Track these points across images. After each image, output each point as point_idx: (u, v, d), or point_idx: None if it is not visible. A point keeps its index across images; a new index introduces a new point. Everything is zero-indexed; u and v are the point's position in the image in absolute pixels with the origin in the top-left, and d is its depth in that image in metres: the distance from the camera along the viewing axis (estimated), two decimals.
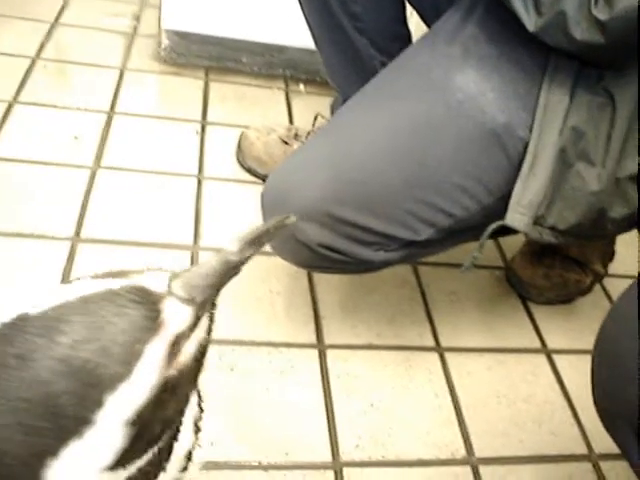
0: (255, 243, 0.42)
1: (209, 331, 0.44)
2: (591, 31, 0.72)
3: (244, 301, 1.09)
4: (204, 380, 0.96)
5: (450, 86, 0.84)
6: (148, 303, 0.38)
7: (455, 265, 1.25)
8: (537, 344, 1.17)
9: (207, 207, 1.25)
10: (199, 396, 0.59)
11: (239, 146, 1.35)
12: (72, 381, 0.35)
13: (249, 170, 1.34)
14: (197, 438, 0.56)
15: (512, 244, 1.29)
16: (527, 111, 0.81)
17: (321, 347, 1.05)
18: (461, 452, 0.97)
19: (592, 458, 1.01)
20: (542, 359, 1.14)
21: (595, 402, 0.64)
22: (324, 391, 0.99)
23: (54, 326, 0.36)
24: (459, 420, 1.01)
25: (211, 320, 0.45)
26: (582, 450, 1.02)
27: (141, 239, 1.15)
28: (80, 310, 0.37)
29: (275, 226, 0.44)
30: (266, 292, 1.12)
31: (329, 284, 1.16)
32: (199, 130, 1.44)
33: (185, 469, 0.54)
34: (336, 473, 0.90)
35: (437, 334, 1.13)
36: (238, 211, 1.26)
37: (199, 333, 0.42)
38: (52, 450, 0.36)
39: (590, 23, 0.72)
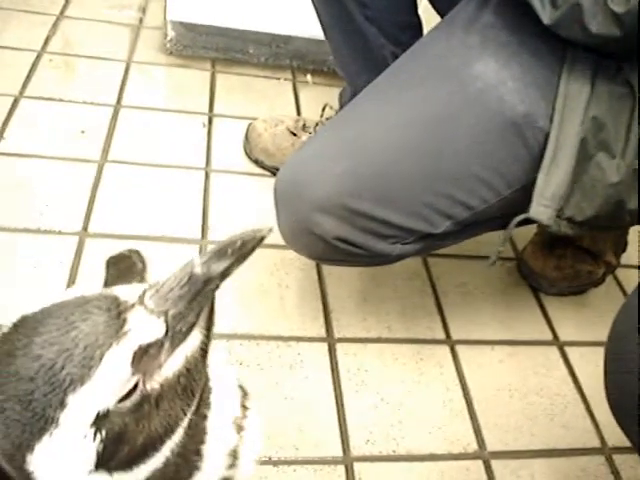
0: (223, 256, 0.42)
1: (203, 348, 0.45)
2: (607, 24, 0.71)
3: (253, 295, 1.08)
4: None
5: (469, 75, 0.82)
6: (114, 311, 0.39)
7: (466, 257, 1.24)
8: (549, 336, 1.15)
9: (215, 200, 1.24)
10: (243, 395, 0.60)
11: (246, 138, 1.34)
12: (41, 379, 0.37)
13: (257, 162, 1.33)
14: (242, 436, 0.57)
15: (523, 235, 1.27)
16: (547, 101, 0.80)
17: (331, 341, 1.05)
18: (473, 446, 0.96)
19: (605, 451, 1.00)
20: (554, 351, 1.13)
21: (608, 398, 0.63)
22: (334, 385, 0.99)
23: (36, 326, 0.39)
24: (470, 414, 1.00)
25: (206, 338, 0.45)
26: (595, 443, 1.01)
27: (149, 233, 1.15)
28: (56, 313, 0.39)
29: (244, 239, 0.44)
30: (275, 286, 1.11)
31: (339, 277, 1.15)
32: (206, 122, 1.43)
33: (233, 466, 0.56)
34: (347, 468, 0.90)
35: (448, 327, 1.12)
36: (246, 203, 1.25)
37: (185, 348, 0.43)
38: (29, 445, 0.38)
39: (606, 16, 0.70)
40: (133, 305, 0.40)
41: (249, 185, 1.30)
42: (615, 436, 1.00)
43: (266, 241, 1.26)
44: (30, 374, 0.37)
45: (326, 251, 0.86)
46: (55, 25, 1.61)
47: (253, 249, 0.44)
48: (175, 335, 0.41)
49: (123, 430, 0.40)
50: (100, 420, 0.39)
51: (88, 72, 1.49)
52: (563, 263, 1.21)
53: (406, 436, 0.95)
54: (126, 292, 0.41)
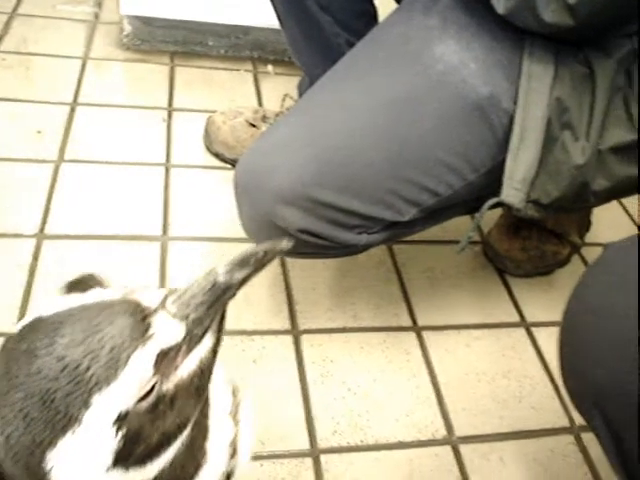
0: (245, 265, 0.45)
1: (214, 350, 0.47)
2: (560, 13, 0.70)
3: None
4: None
5: (430, 57, 0.80)
6: (139, 315, 0.41)
7: (431, 242, 1.24)
8: (516, 318, 1.15)
9: (176, 196, 1.23)
10: (234, 388, 0.61)
11: (206, 131, 1.33)
12: (65, 379, 0.38)
13: (217, 155, 1.31)
14: (238, 429, 0.59)
15: (488, 218, 1.27)
16: (510, 82, 0.79)
17: (295, 333, 1.04)
18: (441, 432, 0.96)
19: (574, 430, 1.00)
20: (521, 333, 1.13)
21: (563, 380, 0.63)
22: (300, 377, 0.98)
23: (58, 327, 0.40)
24: (438, 400, 1.00)
25: (217, 341, 0.48)
26: (563, 423, 1.01)
27: (108, 232, 1.13)
28: (80, 316, 0.40)
29: (267, 250, 0.46)
30: None
31: (303, 268, 1.14)
32: (166, 117, 1.41)
33: (232, 459, 0.58)
34: (314, 460, 0.89)
35: (414, 313, 1.11)
36: (208, 198, 1.23)
37: (200, 350, 0.45)
38: (51, 442, 0.39)
39: (559, 5, 0.70)
40: (156, 309, 0.42)
41: (210, 179, 1.28)
42: None
43: (229, 234, 1.26)
44: (54, 374, 0.38)
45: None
46: (7, 23, 1.57)
47: (271, 260, 0.46)
48: (193, 338, 0.43)
49: (140, 429, 0.41)
50: (120, 420, 0.40)
51: (43, 70, 1.46)
52: (528, 244, 1.21)
53: (373, 425, 0.94)
54: (147, 297, 0.43)
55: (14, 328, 0.42)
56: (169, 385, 0.43)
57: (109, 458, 0.41)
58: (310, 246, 0.84)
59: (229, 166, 1.30)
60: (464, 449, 0.94)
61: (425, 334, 1.08)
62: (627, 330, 0.52)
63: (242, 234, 0.89)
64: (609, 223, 1.37)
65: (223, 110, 1.33)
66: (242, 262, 0.44)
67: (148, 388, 0.41)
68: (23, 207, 1.14)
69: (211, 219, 1.19)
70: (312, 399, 0.95)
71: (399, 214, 0.83)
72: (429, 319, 1.11)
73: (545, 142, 0.78)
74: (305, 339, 1.03)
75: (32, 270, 1.04)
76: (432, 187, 0.82)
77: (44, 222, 1.12)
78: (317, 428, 0.92)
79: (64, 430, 0.39)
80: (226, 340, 1.00)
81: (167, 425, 0.44)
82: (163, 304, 0.43)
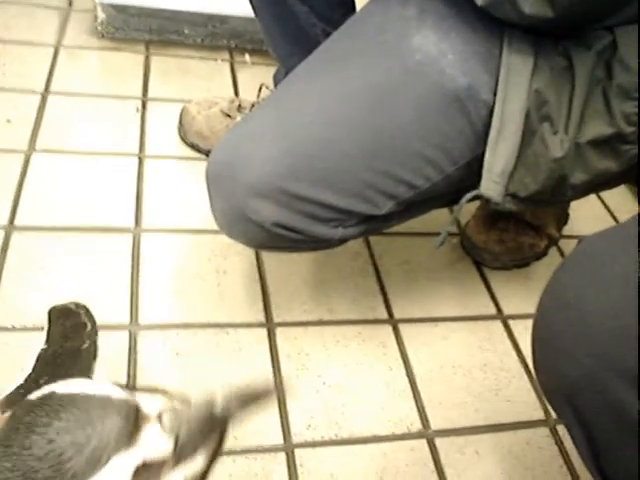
0: (243, 402, 0.48)
1: (204, 473, 0.48)
2: (540, 5, 0.69)
3: (189, 282, 1.05)
4: (149, 367, 0.92)
5: (407, 48, 0.79)
6: (132, 419, 0.42)
7: (408, 234, 1.23)
8: (493, 310, 1.15)
9: (149, 187, 1.21)
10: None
11: (180, 121, 1.30)
12: (48, 462, 0.40)
13: (192, 146, 1.29)
14: None
15: (466, 210, 1.26)
16: (489, 73, 0.77)
17: (270, 326, 1.02)
18: (416, 425, 0.95)
19: (549, 423, 1.00)
20: (498, 325, 1.12)
21: (536, 376, 0.62)
22: (274, 371, 0.96)
23: (59, 410, 0.41)
24: (414, 393, 0.99)
25: (208, 465, 0.49)
26: (539, 416, 1.00)
27: (80, 224, 1.11)
28: (79, 403, 0.42)
29: (263, 390, 0.50)
30: (212, 271, 1.08)
31: (278, 261, 1.12)
32: (140, 107, 1.38)
33: None
34: (287, 455, 0.88)
35: (390, 306, 1.10)
36: (182, 189, 1.22)
37: (186, 470, 0.45)
38: None
39: None
40: (150, 419, 0.43)
41: (185, 170, 1.26)
42: None
43: (202, 226, 1.24)
44: (40, 454, 0.39)
45: (265, 238, 0.82)
46: None
47: (264, 400, 0.49)
48: (180, 456, 0.44)
49: None
50: None
51: (14, 58, 1.43)
52: (506, 237, 1.21)
53: (348, 419, 0.93)
54: (147, 404, 0.44)
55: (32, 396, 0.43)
56: None
57: None
58: (284, 240, 0.82)
59: (204, 157, 1.28)
60: (439, 442, 0.94)
61: (401, 327, 1.07)
62: (600, 326, 0.52)
63: (216, 226, 0.87)
64: (587, 215, 1.38)
65: (198, 100, 1.31)
66: (240, 399, 0.47)
67: None
68: None
69: (185, 211, 1.17)
70: (286, 393, 0.94)
71: (376, 207, 0.82)
72: (405, 312, 1.10)
73: (524, 135, 0.77)
74: (280, 332, 1.02)
75: (0, 263, 1.01)
76: (409, 180, 0.81)
77: (13, 213, 1.09)
78: (291, 422, 0.91)
79: None
80: (200, 333, 1.00)
81: None
82: (159, 416, 0.43)
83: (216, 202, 0.83)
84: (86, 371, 0.85)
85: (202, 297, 1.04)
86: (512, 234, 1.21)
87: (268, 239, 0.82)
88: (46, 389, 0.44)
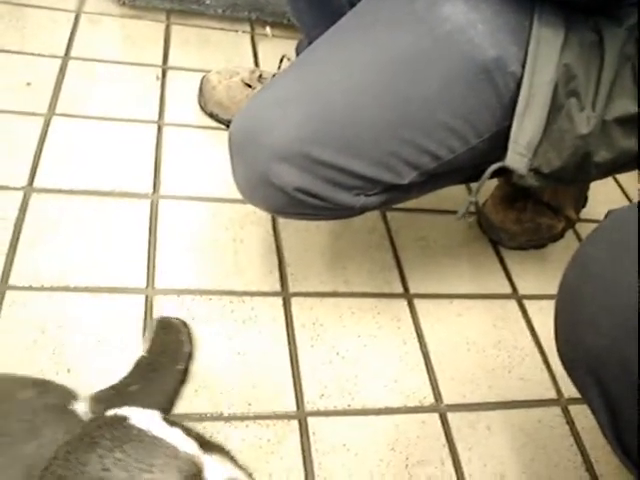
0: None
1: None
2: None
3: (205, 250, 1.05)
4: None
5: (437, 17, 0.77)
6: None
7: (425, 211, 1.23)
8: (508, 290, 1.15)
9: (167, 154, 1.20)
10: None
11: (200, 90, 1.30)
12: None
13: (211, 115, 1.29)
14: None
15: (484, 189, 1.25)
16: (519, 46, 0.76)
17: (285, 295, 1.02)
18: (429, 399, 0.95)
19: (561, 402, 0.99)
20: (513, 304, 1.12)
21: (557, 349, 0.62)
22: (288, 340, 0.97)
23: (125, 442, 0.40)
24: (427, 367, 0.99)
25: None
26: (551, 395, 1.00)
27: (98, 188, 1.11)
28: (147, 445, 0.41)
29: None
30: (229, 240, 1.08)
31: (295, 232, 1.12)
32: (160, 75, 1.38)
33: None
34: (300, 423, 0.88)
35: (406, 280, 1.10)
36: (200, 157, 1.21)
37: None
38: None
39: None
40: None
41: (203, 139, 1.26)
42: (571, 387, 0.99)
43: (220, 195, 1.24)
44: (92, 476, 0.39)
45: (286, 204, 0.82)
46: None
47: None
48: None
49: None
50: None
51: (34, 23, 1.42)
52: (523, 217, 1.20)
53: (361, 390, 0.93)
54: (211, 470, 0.42)
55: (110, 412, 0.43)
56: None
57: None
58: (306, 206, 0.82)
59: (223, 127, 1.27)
60: (451, 417, 0.94)
61: (416, 302, 1.07)
62: (627, 297, 0.51)
63: (234, 195, 0.87)
64: (605, 200, 1.36)
65: (218, 69, 1.30)
66: None
67: None
68: (11, 159, 1.11)
69: (203, 179, 1.17)
70: (301, 362, 0.94)
71: (399, 177, 0.81)
72: (421, 287, 1.10)
73: (550, 109, 0.76)
74: (295, 302, 1.02)
75: (19, 223, 1.01)
76: (433, 150, 0.80)
77: (33, 175, 1.09)
78: (305, 391, 0.91)
79: None
80: (215, 300, 1.00)
81: None
82: None
83: (238, 167, 0.82)
84: (172, 394, 0.85)
85: (218, 265, 1.04)
86: (530, 214, 1.20)
87: (289, 205, 0.81)
88: (125, 410, 0.44)
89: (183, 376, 0.87)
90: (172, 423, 0.44)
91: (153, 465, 0.40)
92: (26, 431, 0.55)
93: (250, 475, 0.49)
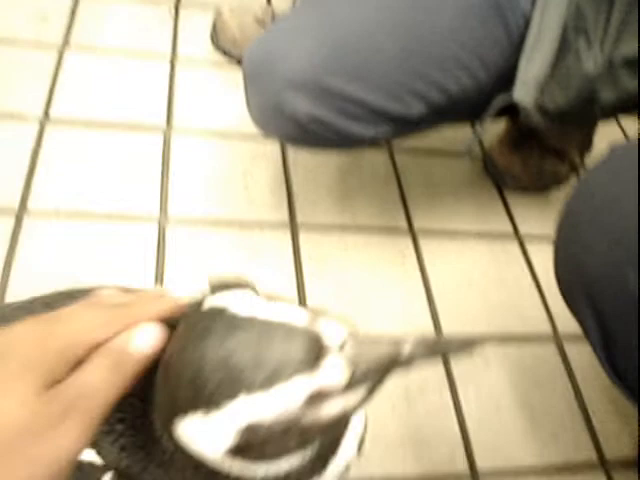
0: (431, 350, 0.42)
1: (358, 406, 0.46)
2: None
3: (216, 182, 1.08)
4: (176, 261, 0.96)
5: None
6: (315, 347, 0.40)
7: (432, 152, 1.24)
8: (510, 230, 1.17)
9: (180, 89, 1.22)
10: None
11: (214, 27, 1.30)
12: (224, 368, 0.39)
13: (224, 52, 1.30)
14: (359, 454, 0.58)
15: (491, 133, 1.27)
16: None
17: (293, 228, 1.05)
18: (430, 332, 0.99)
19: (557, 339, 1.03)
20: (514, 244, 1.15)
21: (555, 271, 0.64)
22: (295, 272, 1.00)
23: (236, 326, 0.40)
24: (429, 302, 1.02)
25: (365, 399, 0.45)
26: (547, 332, 1.04)
27: (112, 120, 1.13)
28: (259, 325, 0.40)
29: (458, 346, 0.42)
30: (239, 174, 1.10)
31: (304, 167, 1.14)
32: (173, 11, 1.38)
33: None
34: None
35: (411, 218, 1.12)
36: (212, 93, 1.23)
37: (348, 401, 0.44)
38: (186, 412, 0.40)
39: None
40: (333, 350, 0.41)
41: (216, 75, 1.27)
42: (567, 326, 1.03)
43: (232, 130, 1.25)
44: (215, 357, 0.39)
45: (297, 132, 0.84)
46: None
47: (443, 355, 0.44)
48: (349, 389, 0.42)
49: (259, 442, 0.41)
50: (246, 428, 0.40)
51: None
52: (529, 160, 1.22)
53: (365, 322, 0.97)
54: (329, 332, 0.42)
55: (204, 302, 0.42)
56: (306, 421, 0.42)
57: (225, 447, 0.41)
58: (317, 136, 0.84)
59: (236, 63, 1.28)
60: None
61: (421, 238, 1.10)
62: (624, 217, 0.54)
63: (245, 130, 0.88)
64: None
65: (232, 6, 1.31)
66: (427, 347, 0.42)
67: (289, 417, 0.40)
68: (27, 91, 1.13)
69: (215, 114, 1.19)
70: (307, 294, 0.98)
71: (407, 108, 0.83)
72: (426, 224, 1.12)
73: (559, 47, 0.77)
74: (303, 234, 1.04)
75: (35, 153, 1.04)
76: (442, 83, 0.82)
77: (48, 106, 1.11)
78: None
79: (202, 406, 0.39)
80: (224, 231, 1.02)
81: (288, 445, 0.44)
82: (342, 346, 0.41)
83: (252, 96, 0.85)
84: None
85: (229, 197, 1.06)
86: (535, 159, 1.22)
87: (301, 134, 0.84)
88: (218, 300, 0.42)
89: None
90: (270, 297, 0.43)
91: (273, 337, 0.39)
92: None
93: None
